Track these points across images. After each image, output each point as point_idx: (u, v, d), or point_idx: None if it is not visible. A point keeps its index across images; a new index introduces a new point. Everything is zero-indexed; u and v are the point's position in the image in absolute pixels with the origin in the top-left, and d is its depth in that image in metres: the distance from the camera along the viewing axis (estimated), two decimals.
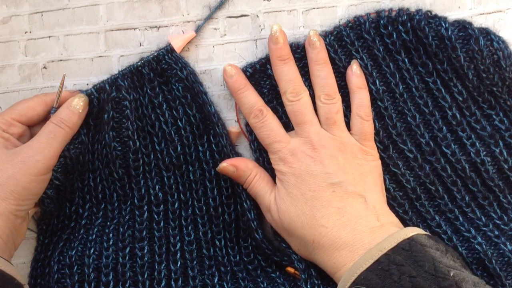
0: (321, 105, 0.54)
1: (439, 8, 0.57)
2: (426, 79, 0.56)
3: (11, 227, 0.50)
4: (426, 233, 0.49)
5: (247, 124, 0.57)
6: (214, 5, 0.57)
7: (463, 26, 0.54)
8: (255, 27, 0.58)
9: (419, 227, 0.55)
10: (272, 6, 0.58)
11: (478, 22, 0.57)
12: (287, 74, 0.54)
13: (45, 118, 0.55)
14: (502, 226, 0.55)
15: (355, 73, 0.55)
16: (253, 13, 0.58)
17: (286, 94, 0.54)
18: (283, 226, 0.52)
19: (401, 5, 0.56)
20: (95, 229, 0.56)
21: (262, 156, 0.56)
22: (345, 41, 0.56)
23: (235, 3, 0.58)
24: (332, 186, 0.51)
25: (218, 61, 0.58)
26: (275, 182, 0.54)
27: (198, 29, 0.57)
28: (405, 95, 0.56)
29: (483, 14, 0.57)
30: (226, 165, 0.54)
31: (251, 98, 0.55)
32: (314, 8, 0.58)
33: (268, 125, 0.54)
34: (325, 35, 0.56)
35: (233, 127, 0.58)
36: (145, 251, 0.55)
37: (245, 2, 0.57)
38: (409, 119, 0.56)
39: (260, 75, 0.56)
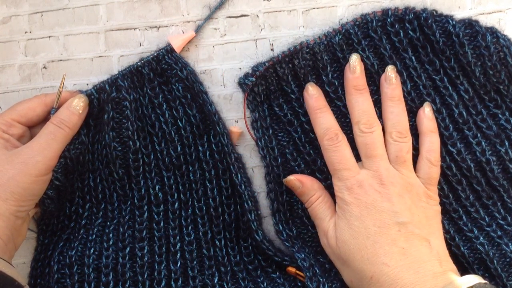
0: (392, 142, 0.53)
1: (439, 8, 0.57)
2: (433, 76, 0.56)
3: (12, 228, 0.50)
4: (485, 281, 0.48)
5: (253, 122, 0.57)
6: (214, 5, 0.57)
7: (469, 23, 0.55)
8: (255, 27, 0.58)
9: None
10: (272, 6, 0.58)
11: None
12: (362, 104, 0.54)
13: (45, 118, 0.55)
14: (506, 227, 0.55)
15: (427, 115, 0.55)
16: (253, 13, 0.58)
17: (359, 124, 0.53)
18: (340, 255, 0.52)
19: (401, 5, 0.56)
20: (95, 229, 0.56)
21: (269, 154, 0.56)
22: (352, 40, 0.56)
23: (235, 3, 0.57)
24: (398, 225, 0.50)
25: (218, 61, 0.58)
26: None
27: (198, 29, 0.57)
28: (412, 93, 0.56)
29: (483, 14, 0.57)
30: (293, 179, 0.55)
31: (329, 120, 0.54)
32: (314, 8, 0.58)
33: (341, 151, 0.53)
34: (334, 34, 0.56)
35: (233, 127, 0.58)
36: (145, 251, 0.55)
37: (245, 2, 0.57)
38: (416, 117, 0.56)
39: (270, 72, 0.56)
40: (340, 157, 0.53)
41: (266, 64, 0.55)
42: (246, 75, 0.56)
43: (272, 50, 0.58)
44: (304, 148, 0.56)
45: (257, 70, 0.55)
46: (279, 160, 0.56)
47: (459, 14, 0.57)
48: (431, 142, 0.54)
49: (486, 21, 0.57)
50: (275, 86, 0.56)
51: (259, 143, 0.57)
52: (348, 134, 0.55)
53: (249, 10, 0.58)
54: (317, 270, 0.53)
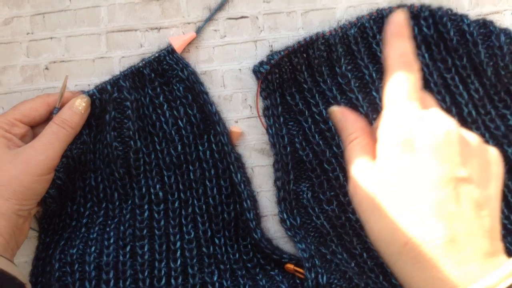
0: None
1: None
2: (445, 75, 0.56)
3: (14, 227, 0.50)
4: None
5: (264, 109, 0.57)
6: (214, 7, 0.58)
7: (484, 23, 0.55)
8: (255, 28, 0.58)
9: None
10: (271, 7, 0.58)
11: None
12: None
13: (47, 118, 0.55)
14: (509, 226, 0.55)
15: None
16: (253, 15, 0.58)
17: None
18: (372, 207, 0.41)
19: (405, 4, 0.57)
20: (96, 228, 0.57)
21: (278, 142, 0.57)
22: (367, 34, 0.56)
23: (235, 5, 0.58)
24: (455, 181, 0.39)
25: (218, 62, 0.58)
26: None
27: (199, 31, 0.58)
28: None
29: (480, 15, 0.58)
30: (336, 110, 0.48)
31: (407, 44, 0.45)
32: (313, 10, 0.58)
33: (414, 76, 0.43)
34: (350, 26, 0.56)
35: (234, 127, 0.58)
36: (146, 249, 0.55)
37: (245, 4, 0.58)
38: None
39: (285, 61, 0.56)
40: (407, 85, 0.43)
41: (282, 53, 0.55)
42: (261, 63, 0.56)
43: (271, 51, 0.58)
44: (314, 138, 0.56)
45: (272, 58, 0.56)
46: (288, 148, 0.57)
47: None
48: None
49: None
50: (289, 75, 0.57)
51: (270, 131, 0.57)
52: None
53: (249, 11, 0.58)
54: (317, 262, 0.53)
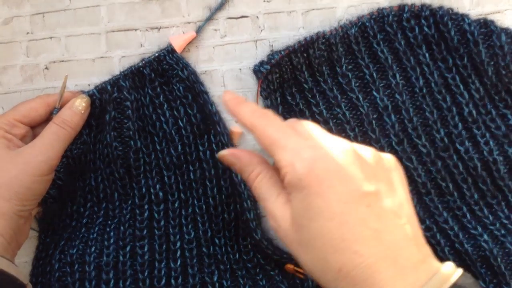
0: None
1: None
2: (445, 74, 0.56)
3: (15, 227, 0.50)
4: (465, 272, 0.39)
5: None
6: (214, 6, 0.58)
7: (485, 22, 0.55)
8: (255, 28, 0.58)
9: (425, 222, 0.55)
10: (272, 7, 0.58)
11: None
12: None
13: (47, 118, 0.55)
14: (509, 226, 0.55)
15: None
16: (253, 14, 0.58)
17: None
18: (297, 240, 0.40)
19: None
20: (96, 228, 0.57)
21: None
22: (368, 33, 0.56)
23: (235, 4, 0.58)
24: (366, 197, 0.38)
25: (218, 62, 0.58)
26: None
27: (199, 30, 0.58)
28: (424, 90, 0.56)
29: (481, 15, 0.58)
30: (227, 154, 0.46)
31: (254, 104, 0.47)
32: (313, 9, 0.58)
33: (277, 121, 0.44)
34: (350, 26, 0.56)
35: (234, 127, 0.58)
36: (146, 249, 0.55)
37: (245, 3, 0.58)
38: (427, 114, 0.56)
39: (285, 61, 0.56)
40: (278, 125, 0.43)
41: (282, 52, 0.55)
42: (262, 63, 0.56)
43: (272, 51, 0.58)
44: None
45: (273, 58, 0.55)
46: None
47: None
48: None
49: None
50: (289, 75, 0.57)
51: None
52: (359, 127, 0.56)
53: (249, 11, 0.58)
54: None
